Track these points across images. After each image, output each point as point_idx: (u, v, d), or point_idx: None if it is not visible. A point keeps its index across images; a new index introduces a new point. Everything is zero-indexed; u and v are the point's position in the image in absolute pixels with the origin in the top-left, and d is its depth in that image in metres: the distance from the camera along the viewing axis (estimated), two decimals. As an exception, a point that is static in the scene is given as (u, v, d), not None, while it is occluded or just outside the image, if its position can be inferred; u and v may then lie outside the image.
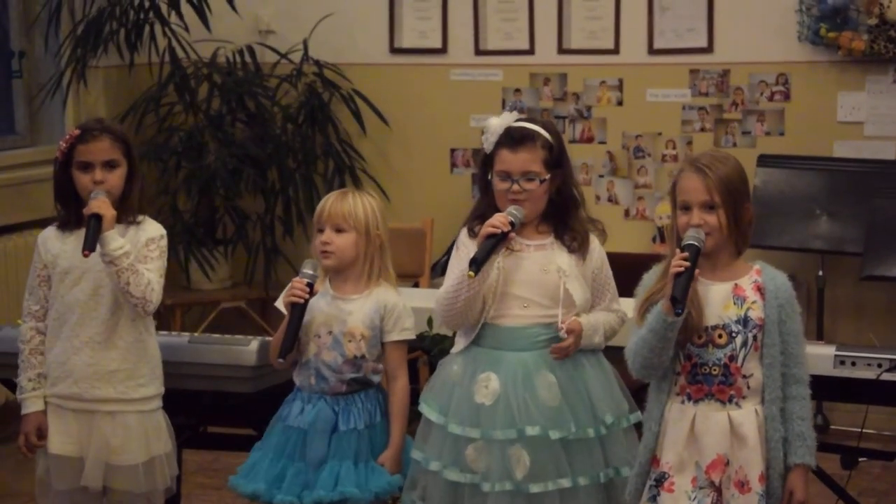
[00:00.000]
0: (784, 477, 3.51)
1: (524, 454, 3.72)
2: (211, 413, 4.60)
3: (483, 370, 3.80)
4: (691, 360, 3.53)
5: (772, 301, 3.52)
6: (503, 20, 6.86)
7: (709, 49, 6.56)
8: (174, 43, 6.85)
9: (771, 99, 6.50)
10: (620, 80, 6.71)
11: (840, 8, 6.22)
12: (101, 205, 3.89)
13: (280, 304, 3.93)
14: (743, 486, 3.49)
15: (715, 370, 3.52)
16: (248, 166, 6.83)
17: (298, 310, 3.87)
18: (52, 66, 6.84)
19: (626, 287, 3.81)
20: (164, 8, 6.83)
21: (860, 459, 5.30)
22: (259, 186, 6.90)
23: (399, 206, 6.77)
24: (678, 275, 3.42)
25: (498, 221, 3.71)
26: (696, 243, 3.46)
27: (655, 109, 6.64)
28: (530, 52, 6.83)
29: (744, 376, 3.51)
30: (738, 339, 3.50)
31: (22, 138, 6.93)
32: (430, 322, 4.53)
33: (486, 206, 3.87)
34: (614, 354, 3.80)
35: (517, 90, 6.85)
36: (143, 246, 3.99)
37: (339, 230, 3.94)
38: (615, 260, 3.97)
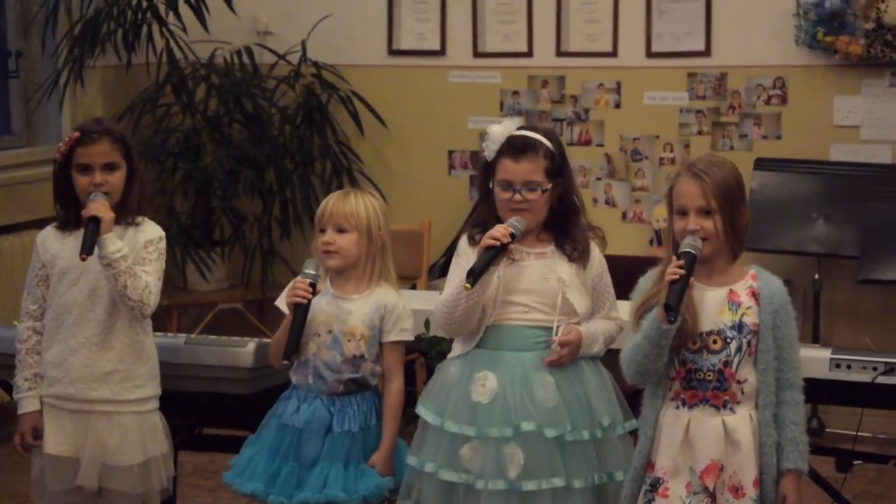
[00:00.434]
0: (777, 482, 3.51)
1: (518, 452, 3.70)
2: (207, 414, 4.59)
3: (481, 369, 3.78)
4: (686, 366, 3.53)
5: (766, 306, 3.52)
6: (501, 22, 6.86)
7: (706, 52, 6.56)
8: (172, 43, 6.84)
9: (768, 102, 6.50)
10: (618, 83, 6.71)
11: (837, 12, 6.22)
12: (99, 207, 3.88)
13: (281, 303, 3.91)
14: (737, 491, 3.49)
15: (709, 376, 3.51)
16: (245, 167, 6.82)
17: (302, 310, 3.85)
18: (49, 66, 6.83)
19: (623, 290, 3.81)
20: (161, 8, 6.82)
21: (855, 463, 5.28)
22: (256, 188, 6.90)
23: (397, 207, 6.73)
24: (673, 282, 3.41)
25: (498, 233, 3.69)
26: (692, 251, 3.46)
27: (653, 112, 6.64)
28: (528, 54, 6.83)
29: (738, 382, 3.51)
30: (733, 345, 3.50)
31: (18, 138, 6.93)
32: (427, 324, 4.52)
33: (487, 213, 3.85)
34: (610, 359, 3.80)
35: (515, 92, 6.85)
36: (141, 248, 3.98)
37: (341, 230, 3.93)
38: (612, 263, 3.96)
